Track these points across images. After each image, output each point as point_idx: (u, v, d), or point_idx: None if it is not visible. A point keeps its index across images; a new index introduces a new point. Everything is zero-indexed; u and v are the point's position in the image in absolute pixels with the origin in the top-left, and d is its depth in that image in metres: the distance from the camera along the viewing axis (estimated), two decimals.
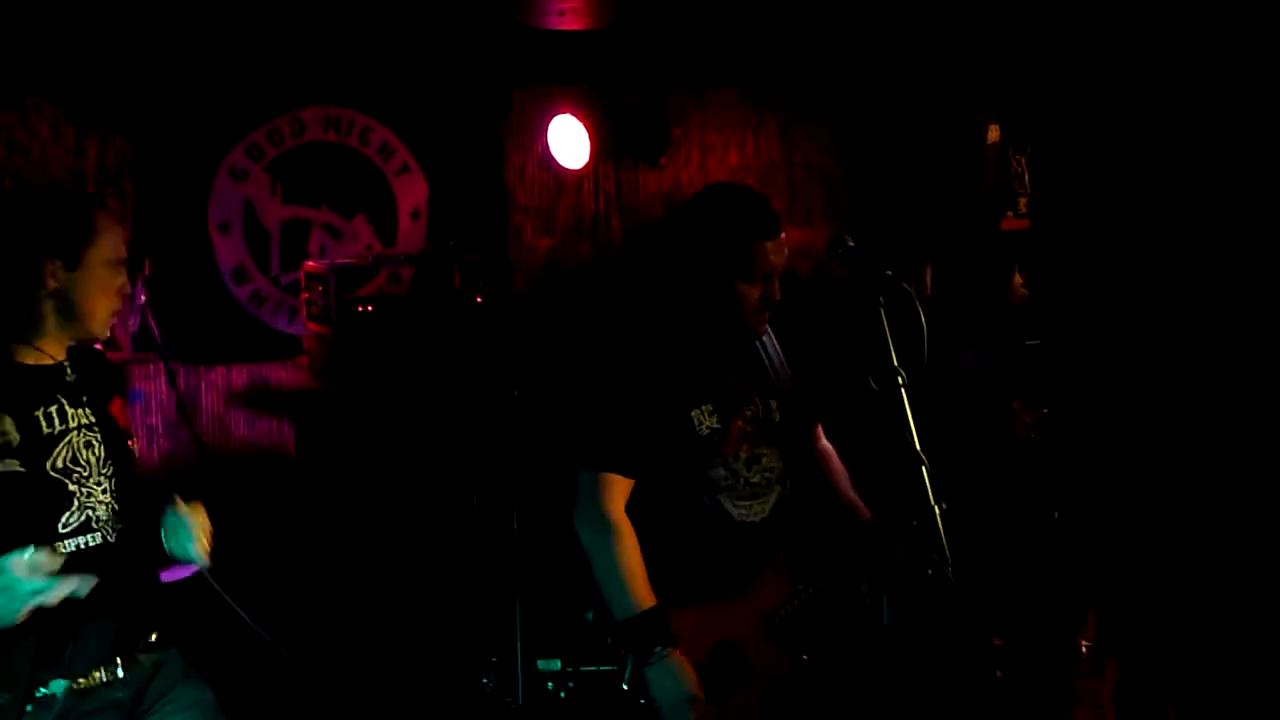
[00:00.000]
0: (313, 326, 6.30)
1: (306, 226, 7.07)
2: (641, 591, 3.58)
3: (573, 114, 6.79)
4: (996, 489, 5.17)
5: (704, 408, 3.80)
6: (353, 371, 5.95)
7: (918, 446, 3.49)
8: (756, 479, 3.89)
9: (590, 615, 5.45)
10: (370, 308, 5.98)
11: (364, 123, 7.13)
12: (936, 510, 3.44)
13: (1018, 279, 6.00)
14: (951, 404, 5.16)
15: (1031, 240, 6.52)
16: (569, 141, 6.84)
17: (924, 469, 3.47)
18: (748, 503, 3.87)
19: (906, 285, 3.62)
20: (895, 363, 3.57)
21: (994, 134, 7.05)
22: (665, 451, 3.69)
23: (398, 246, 7.18)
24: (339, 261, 6.36)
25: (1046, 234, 6.36)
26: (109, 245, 3.46)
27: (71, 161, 6.73)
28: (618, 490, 3.62)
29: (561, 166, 6.90)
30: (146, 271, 6.12)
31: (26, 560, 2.95)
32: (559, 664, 5.55)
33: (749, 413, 3.92)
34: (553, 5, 6.38)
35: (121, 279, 3.51)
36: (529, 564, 5.67)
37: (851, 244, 3.68)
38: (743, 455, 3.86)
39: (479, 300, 6.07)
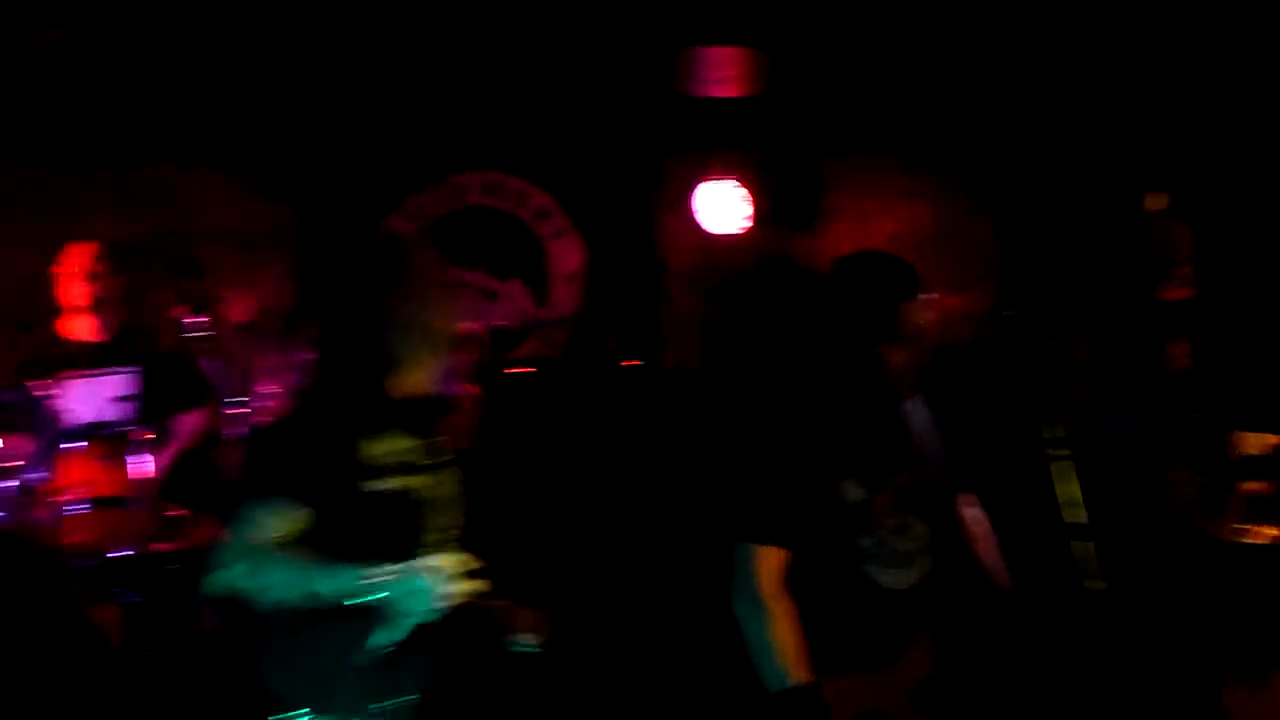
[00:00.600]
0: (467, 387, 6.16)
1: (466, 290, 7.13)
2: (794, 665, 3.48)
3: (725, 179, 6.83)
4: (1153, 561, 5.02)
5: (853, 477, 3.72)
6: (506, 430, 5.99)
7: (1076, 518, 3.39)
8: (904, 547, 3.80)
9: None
10: (523, 369, 6.00)
11: (521, 188, 7.24)
12: (1090, 586, 3.34)
13: (1178, 349, 5.84)
14: (1108, 474, 5.01)
15: (1194, 311, 6.38)
16: (720, 207, 6.89)
17: (1078, 541, 3.37)
18: (896, 571, 3.77)
19: (1065, 355, 3.52)
20: (1051, 432, 3.47)
21: (1154, 203, 6.89)
22: (817, 523, 3.61)
23: (551, 309, 7.23)
24: (495, 324, 6.43)
25: (1210, 305, 6.23)
26: None
27: (238, 224, 6.92)
28: (775, 563, 3.50)
29: (712, 232, 6.91)
30: (310, 331, 6.21)
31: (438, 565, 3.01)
32: None
33: (896, 481, 3.83)
34: (709, 74, 6.38)
35: None
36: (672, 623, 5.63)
37: (1010, 314, 3.60)
38: (891, 523, 3.76)
39: (631, 363, 6.02)
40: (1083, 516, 3.83)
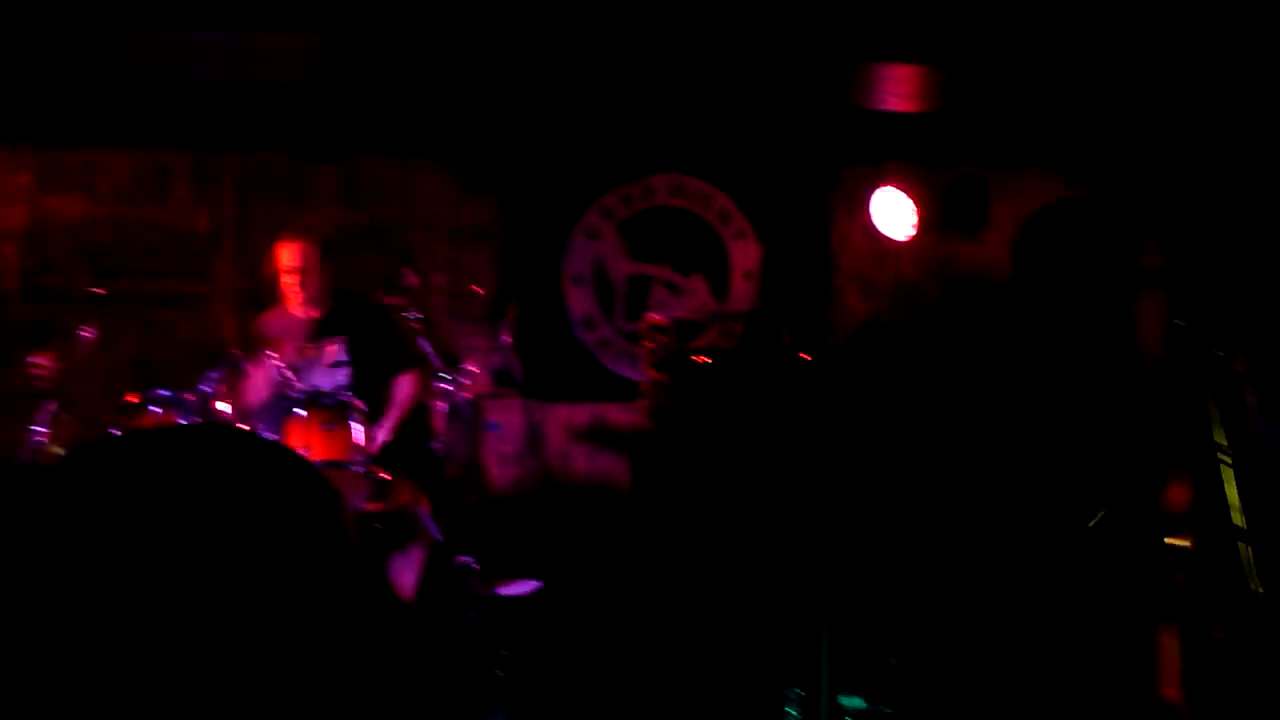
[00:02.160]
0: (652, 373, 6.26)
1: (648, 282, 7.20)
2: None
3: (897, 188, 6.70)
4: None
5: None
6: (688, 417, 5.92)
7: (1239, 524, 3.34)
8: None
9: (893, 660, 5.36)
10: (707, 359, 5.96)
11: (705, 190, 7.19)
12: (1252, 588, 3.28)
13: None
14: (1264, 480, 4.90)
15: None
16: (893, 213, 6.73)
17: (1244, 546, 3.31)
18: None
19: (1235, 366, 3.47)
20: (1220, 440, 3.41)
21: None
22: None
23: (729, 304, 7.20)
24: (678, 315, 6.43)
25: None
26: None
27: (449, 216, 7.03)
28: None
29: (885, 236, 6.79)
30: (510, 316, 6.31)
31: None
32: (861, 702, 5.44)
33: None
34: (885, 89, 6.35)
35: None
36: (841, 605, 5.53)
37: (1180, 324, 3.55)
38: None
39: (803, 357, 5.98)
40: (1242, 520, 3.75)
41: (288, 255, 5.95)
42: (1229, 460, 3.50)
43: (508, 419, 6.99)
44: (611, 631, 6.02)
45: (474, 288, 6.85)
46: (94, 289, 5.81)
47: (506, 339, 6.27)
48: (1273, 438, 5.26)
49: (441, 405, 5.84)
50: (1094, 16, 5.56)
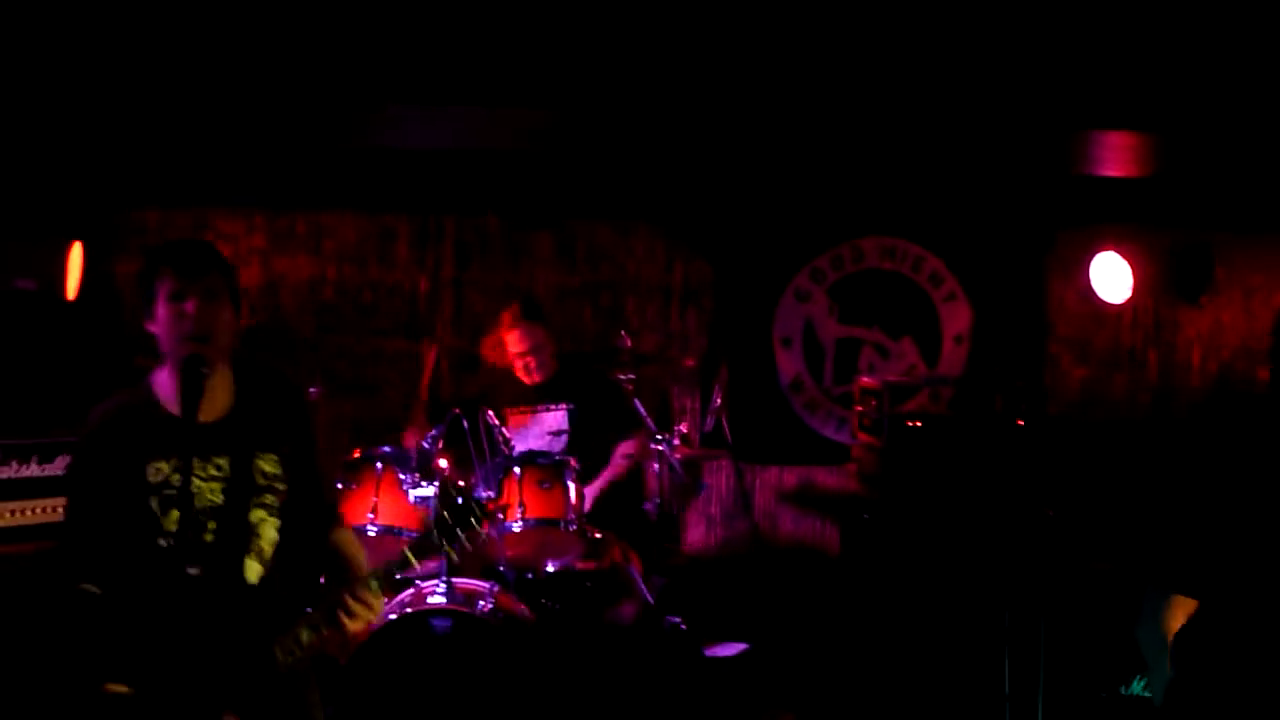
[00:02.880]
0: (863, 436, 6.25)
1: (858, 344, 7.19)
2: None
3: (1116, 251, 6.64)
4: None
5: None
6: (900, 482, 5.87)
7: None
8: None
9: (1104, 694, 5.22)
10: (920, 423, 5.90)
11: (916, 252, 7.18)
12: None
13: None
14: None
15: None
16: (1111, 277, 6.69)
17: None
18: None
19: None
20: None
21: None
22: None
23: (940, 368, 7.16)
24: (888, 379, 6.33)
25: None
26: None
27: (660, 277, 7.06)
28: (1180, 610, 3.34)
29: (1102, 301, 6.74)
30: (721, 378, 6.41)
31: None
32: None
33: None
34: (1101, 155, 6.19)
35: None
36: (1051, 678, 5.41)
37: None
38: None
39: (1019, 423, 5.89)
40: None
41: (515, 341, 6.02)
42: None
43: (716, 480, 7.00)
44: (817, 694, 5.95)
45: (687, 361, 6.93)
46: (320, 346, 5.98)
47: (717, 401, 6.28)
48: None
49: (655, 466, 5.91)
50: None
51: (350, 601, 3.33)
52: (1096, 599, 5.38)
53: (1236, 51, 5.33)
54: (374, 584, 3.35)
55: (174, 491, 3.26)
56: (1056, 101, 5.45)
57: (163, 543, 3.27)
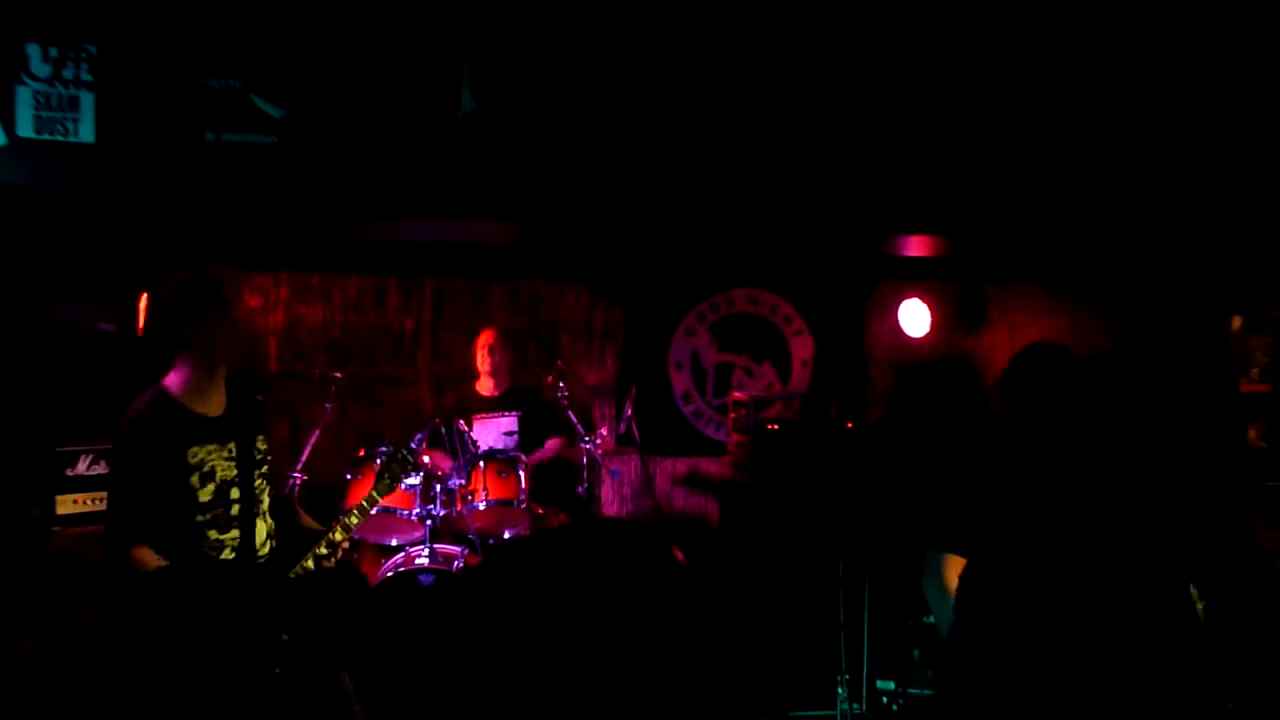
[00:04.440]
0: (735, 436, 6.33)
1: (731, 368, 7.23)
2: None
3: (918, 298, 6.68)
4: (1244, 588, 4.91)
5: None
6: (762, 469, 5.90)
7: None
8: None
9: (916, 653, 5.32)
10: (776, 426, 5.94)
11: (773, 300, 7.24)
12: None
13: (1252, 431, 5.66)
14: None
15: (1269, 401, 6.19)
16: (914, 317, 6.68)
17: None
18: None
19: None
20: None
21: (1237, 323, 6.69)
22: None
23: (790, 385, 7.24)
24: (753, 394, 6.43)
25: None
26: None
27: (585, 320, 7.07)
28: (953, 566, 3.29)
29: (908, 334, 6.76)
30: (632, 394, 6.41)
31: None
32: (893, 685, 5.37)
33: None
34: (906, 245, 6.32)
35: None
36: (877, 615, 5.46)
37: None
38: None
39: (849, 426, 6.00)
40: None
41: (484, 337, 6.14)
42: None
43: (628, 469, 7.01)
44: (707, 628, 5.87)
45: (604, 374, 6.91)
46: (331, 373, 5.93)
47: (628, 411, 6.35)
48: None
49: (583, 459, 5.93)
50: (1063, 186, 5.56)
51: (338, 527, 3.49)
52: (906, 551, 5.41)
53: (996, 185, 5.53)
54: (355, 514, 3.55)
55: (209, 469, 3.30)
56: (879, 211, 5.57)
57: (200, 516, 3.28)
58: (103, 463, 5.08)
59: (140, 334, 5.71)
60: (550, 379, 6.00)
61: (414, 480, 5.40)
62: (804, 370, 7.29)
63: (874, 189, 5.41)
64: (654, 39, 4.95)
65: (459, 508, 5.55)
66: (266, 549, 3.45)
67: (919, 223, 5.55)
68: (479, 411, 6.12)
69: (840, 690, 5.28)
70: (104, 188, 4.81)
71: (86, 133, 4.62)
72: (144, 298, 5.74)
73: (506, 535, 5.67)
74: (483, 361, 6.14)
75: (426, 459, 5.62)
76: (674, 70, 5.08)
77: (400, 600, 5.12)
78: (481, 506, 5.51)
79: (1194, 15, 5.17)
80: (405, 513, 5.45)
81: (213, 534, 3.31)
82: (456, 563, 5.27)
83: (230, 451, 3.38)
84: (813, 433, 5.97)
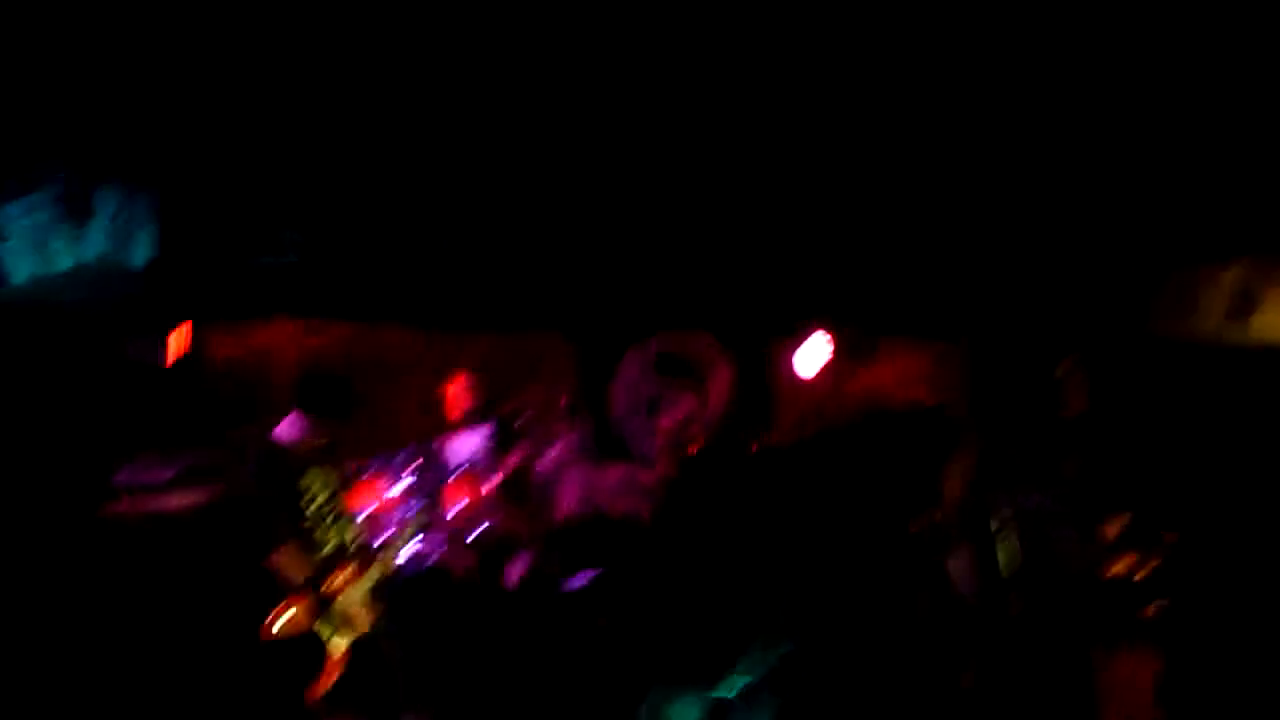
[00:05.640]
0: (663, 457, 6.57)
1: (663, 395, 7.21)
2: None
3: (817, 335, 6.71)
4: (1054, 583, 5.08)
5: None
6: (687, 480, 6.10)
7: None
8: None
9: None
10: (698, 447, 6.17)
11: (701, 336, 7.30)
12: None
13: (1072, 457, 5.83)
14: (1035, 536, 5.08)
15: (1086, 424, 6.25)
16: (813, 356, 6.77)
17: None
18: None
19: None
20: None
21: (1065, 365, 6.81)
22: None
23: (710, 412, 7.20)
24: (679, 418, 6.68)
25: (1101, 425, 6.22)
26: None
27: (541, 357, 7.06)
28: None
29: (808, 371, 6.82)
30: (579, 416, 6.56)
31: None
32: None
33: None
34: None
35: None
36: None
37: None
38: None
39: (754, 448, 6.15)
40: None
41: (460, 376, 6.17)
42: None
43: (578, 476, 6.89)
44: (635, 603, 5.82)
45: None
46: None
47: (576, 429, 6.49)
48: (1028, 504, 5.29)
49: (540, 470, 6.09)
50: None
51: None
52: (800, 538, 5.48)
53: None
54: None
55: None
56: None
57: None
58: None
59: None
60: (512, 406, 6.14)
61: (399, 490, 5.55)
62: (722, 400, 7.27)
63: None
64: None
65: (433, 512, 5.68)
66: None
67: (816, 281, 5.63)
68: (451, 430, 6.15)
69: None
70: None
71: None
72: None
73: (476, 532, 5.69)
74: (459, 392, 6.18)
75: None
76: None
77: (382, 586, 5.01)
78: (454, 512, 5.67)
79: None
80: (389, 515, 5.56)
81: None
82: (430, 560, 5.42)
83: None
84: (727, 452, 6.15)
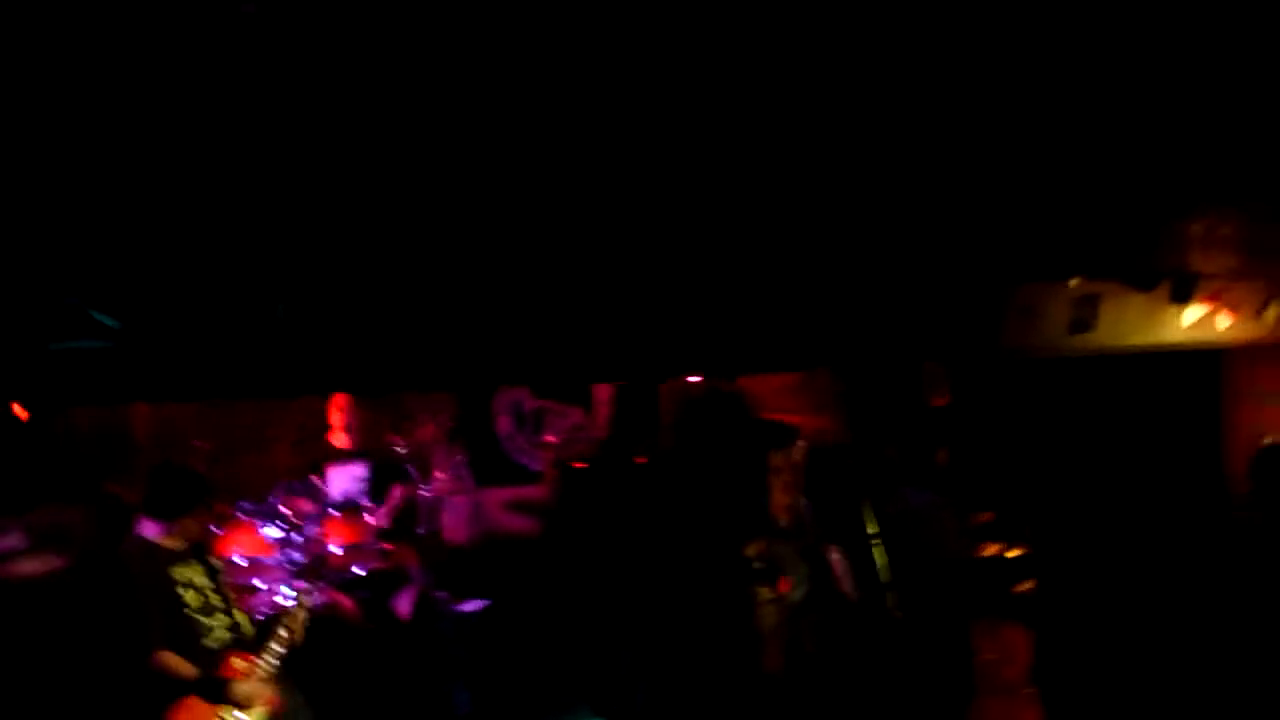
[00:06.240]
0: (551, 468, 6.54)
1: (546, 411, 7.13)
2: None
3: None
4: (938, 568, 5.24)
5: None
6: (573, 494, 6.14)
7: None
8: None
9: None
10: (581, 462, 6.19)
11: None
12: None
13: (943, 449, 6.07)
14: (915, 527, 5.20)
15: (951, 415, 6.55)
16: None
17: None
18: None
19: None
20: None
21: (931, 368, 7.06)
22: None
23: (594, 426, 7.13)
24: (563, 433, 6.62)
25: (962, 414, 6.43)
26: None
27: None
28: None
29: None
30: (460, 443, 6.43)
31: None
32: None
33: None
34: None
35: None
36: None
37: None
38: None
39: (639, 460, 6.21)
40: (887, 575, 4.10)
41: (337, 402, 6.03)
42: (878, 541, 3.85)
43: (462, 501, 6.76)
44: (530, 616, 5.95)
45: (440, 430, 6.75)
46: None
47: (459, 456, 6.43)
48: (914, 501, 5.46)
49: (423, 501, 6.01)
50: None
51: None
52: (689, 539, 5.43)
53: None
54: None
55: None
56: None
57: None
58: None
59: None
60: (394, 435, 6.06)
61: (276, 532, 5.42)
62: (605, 413, 7.22)
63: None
64: None
65: (316, 550, 5.56)
66: None
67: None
68: (334, 461, 6.03)
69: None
70: None
71: None
72: None
73: (356, 571, 5.64)
74: (337, 420, 6.07)
75: (288, 511, 5.59)
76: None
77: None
78: (336, 547, 5.55)
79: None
80: (268, 559, 5.44)
81: None
82: (316, 595, 5.12)
83: None
84: (611, 465, 6.19)
